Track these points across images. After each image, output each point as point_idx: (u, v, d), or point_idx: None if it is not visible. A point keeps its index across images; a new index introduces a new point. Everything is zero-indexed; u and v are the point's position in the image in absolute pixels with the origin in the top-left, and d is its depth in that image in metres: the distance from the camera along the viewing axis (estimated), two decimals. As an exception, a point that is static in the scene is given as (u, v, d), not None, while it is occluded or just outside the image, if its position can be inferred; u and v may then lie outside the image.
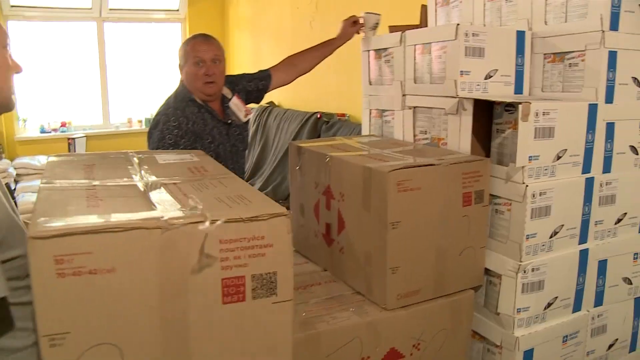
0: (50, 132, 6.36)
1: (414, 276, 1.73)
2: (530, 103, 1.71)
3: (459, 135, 1.96)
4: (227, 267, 1.06)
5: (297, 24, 4.98)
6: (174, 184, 1.29)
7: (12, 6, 5.95)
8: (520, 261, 1.80)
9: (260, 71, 2.90)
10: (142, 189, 1.23)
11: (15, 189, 5.49)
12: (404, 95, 2.22)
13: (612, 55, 1.91)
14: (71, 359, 0.97)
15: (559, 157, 1.83)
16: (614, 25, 1.90)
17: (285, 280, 1.12)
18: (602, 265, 2.03)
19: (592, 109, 1.88)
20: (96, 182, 1.26)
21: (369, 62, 2.45)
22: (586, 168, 1.91)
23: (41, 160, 5.97)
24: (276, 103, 5.53)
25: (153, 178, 1.33)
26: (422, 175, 1.68)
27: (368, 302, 1.74)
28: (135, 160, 1.56)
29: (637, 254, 2.12)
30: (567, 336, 1.99)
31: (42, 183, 1.24)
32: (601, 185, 1.97)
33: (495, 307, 1.89)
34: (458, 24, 1.89)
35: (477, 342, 2.00)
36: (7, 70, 1.38)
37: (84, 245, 0.94)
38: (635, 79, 1.99)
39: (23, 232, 1.23)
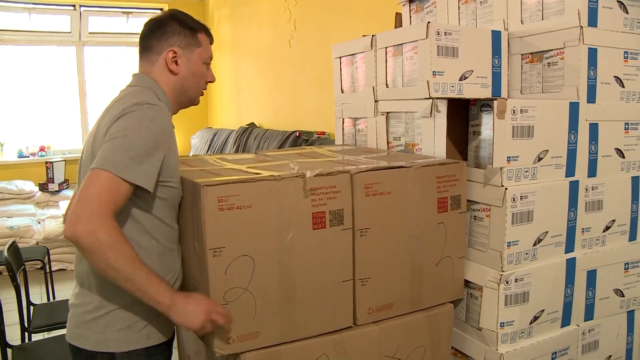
0: (28, 157, 6.22)
1: (387, 288, 1.59)
2: (506, 99, 1.60)
3: (434, 139, 1.84)
4: (315, 205, 1.46)
5: (276, 43, 4.91)
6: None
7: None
8: (502, 271, 1.67)
9: None
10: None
11: (-11, 214, 5.33)
12: (376, 101, 2.10)
13: (592, 53, 1.81)
14: (225, 264, 1.37)
15: (540, 159, 1.71)
16: (593, 22, 1.81)
17: (348, 215, 1.52)
18: (592, 275, 1.91)
19: (574, 107, 1.77)
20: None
21: (340, 69, 2.35)
22: (570, 171, 1.80)
23: (18, 184, 5.82)
24: (256, 124, 5.44)
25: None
26: (392, 178, 1.55)
27: (337, 317, 1.61)
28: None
29: (628, 263, 1.99)
30: (556, 353, 1.85)
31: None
32: (587, 190, 1.86)
33: (477, 321, 1.76)
34: (429, 22, 1.79)
35: (459, 361, 1.86)
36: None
37: (234, 190, 1.35)
38: (617, 78, 1.89)
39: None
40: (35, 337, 3.09)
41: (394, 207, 1.57)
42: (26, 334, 2.95)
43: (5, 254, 2.94)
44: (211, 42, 1.61)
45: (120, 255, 1.24)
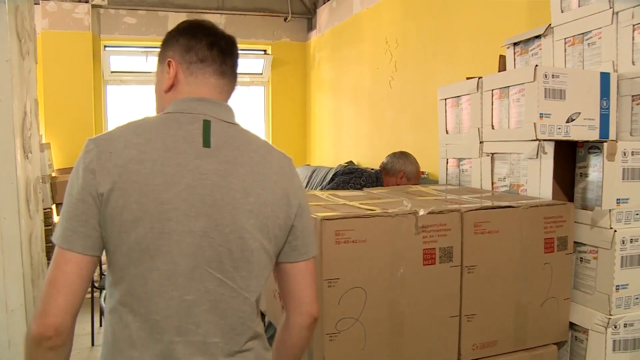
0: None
1: (491, 326, 1.62)
2: (616, 141, 1.61)
3: (539, 180, 1.86)
4: (425, 242, 1.53)
5: (376, 84, 5.02)
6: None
7: (112, 72, 6.36)
8: (610, 315, 1.65)
9: None
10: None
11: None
12: (481, 142, 2.15)
13: None
14: (339, 295, 1.45)
15: (651, 202, 1.70)
16: None
17: (457, 252, 1.58)
18: None
19: (687, 150, 1.74)
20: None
21: (445, 111, 2.41)
22: (683, 215, 1.76)
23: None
24: (355, 163, 5.55)
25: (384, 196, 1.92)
26: (500, 217, 1.60)
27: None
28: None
29: None
30: (667, 404, 1.79)
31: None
32: (701, 235, 1.81)
33: (584, 365, 1.74)
34: (537, 65, 1.83)
35: (565, 405, 1.83)
36: None
37: (350, 225, 1.44)
38: None
39: None
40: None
41: (501, 246, 1.60)
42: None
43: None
44: None
45: None
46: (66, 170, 5.84)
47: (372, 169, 2.97)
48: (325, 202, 1.71)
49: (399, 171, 2.81)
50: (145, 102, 6.66)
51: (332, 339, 1.45)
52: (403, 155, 2.87)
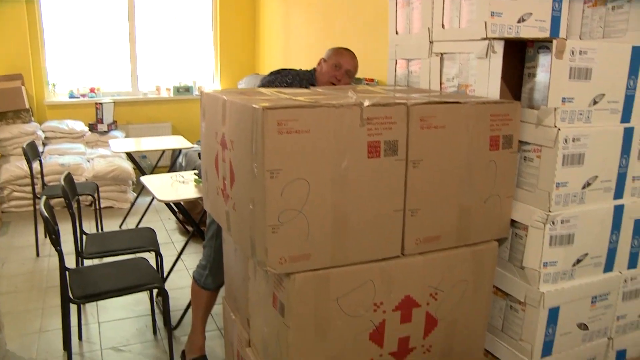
0: (79, 97, 6.36)
1: (435, 221, 1.63)
2: (565, 39, 1.59)
3: (488, 80, 1.84)
4: (370, 134, 1.49)
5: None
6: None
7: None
8: (549, 211, 1.68)
9: None
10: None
11: (43, 151, 5.51)
12: (431, 42, 2.10)
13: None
14: (281, 186, 1.42)
15: (595, 102, 1.70)
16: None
17: (402, 146, 1.55)
18: (638, 225, 1.91)
19: (636, 51, 1.73)
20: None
21: (395, 11, 2.34)
22: (626, 117, 1.78)
23: (69, 124, 5.98)
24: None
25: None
26: (447, 112, 1.57)
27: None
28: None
29: (676, 215, 1.98)
30: (596, 297, 1.87)
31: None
32: (641, 138, 1.84)
33: (520, 260, 1.79)
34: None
35: (500, 300, 1.89)
36: None
37: (293, 114, 1.39)
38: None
39: None
40: (87, 262, 3.25)
41: (447, 142, 1.59)
42: (80, 259, 3.10)
43: (62, 182, 3.07)
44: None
45: None
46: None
47: (308, 70, 2.89)
48: (269, 97, 1.65)
49: (322, 60, 2.81)
50: (86, 7, 6.32)
51: (275, 231, 1.43)
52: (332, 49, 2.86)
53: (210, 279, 2.64)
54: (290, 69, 2.88)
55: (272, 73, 2.87)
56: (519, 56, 1.82)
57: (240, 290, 2.02)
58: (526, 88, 1.80)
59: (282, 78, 2.77)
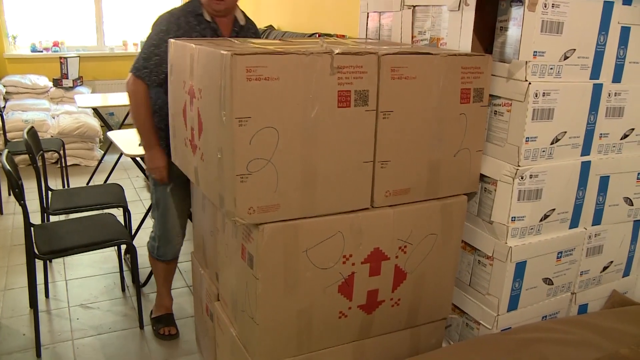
0: (42, 51, 6.18)
1: (405, 173, 1.63)
2: (539, -9, 1.57)
3: (460, 33, 1.82)
4: (341, 83, 1.47)
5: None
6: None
7: None
8: (518, 165, 1.69)
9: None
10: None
11: (4, 107, 5.35)
12: (404, -6, 2.07)
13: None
14: (250, 134, 1.39)
15: (566, 57, 1.70)
16: None
17: (373, 96, 1.52)
18: (604, 181, 1.93)
19: (608, 7, 1.73)
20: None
21: (369, -38, 2.29)
22: (595, 73, 1.79)
23: (32, 79, 5.81)
24: (275, 26, 5.36)
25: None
26: (418, 63, 1.55)
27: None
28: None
29: (640, 173, 2.01)
30: (561, 252, 1.90)
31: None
32: (609, 95, 1.85)
33: (489, 215, 1.80)
34: None
35: (468, 255, 1.91)
36: None
37: (262, 61, 1.35)
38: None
39: None
40: (53, 219, 3.19)
41: (418, 93, 1.57)
42: (45, 215, 3.04)
43: (25, 136, 2.98)
44: None
45: None
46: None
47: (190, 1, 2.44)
48: (238, 45, 1.61)
49: None
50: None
51: (243, 180, 1.40)
52: None
53: (162, 250, 2.62)
54: (165, 13, 2.41)
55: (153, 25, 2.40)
56: (491, 10, 1.80)
57: (209, 245, 2.01)
58: (498, 42, 1.79)
59: (156, 32, 2.32)
